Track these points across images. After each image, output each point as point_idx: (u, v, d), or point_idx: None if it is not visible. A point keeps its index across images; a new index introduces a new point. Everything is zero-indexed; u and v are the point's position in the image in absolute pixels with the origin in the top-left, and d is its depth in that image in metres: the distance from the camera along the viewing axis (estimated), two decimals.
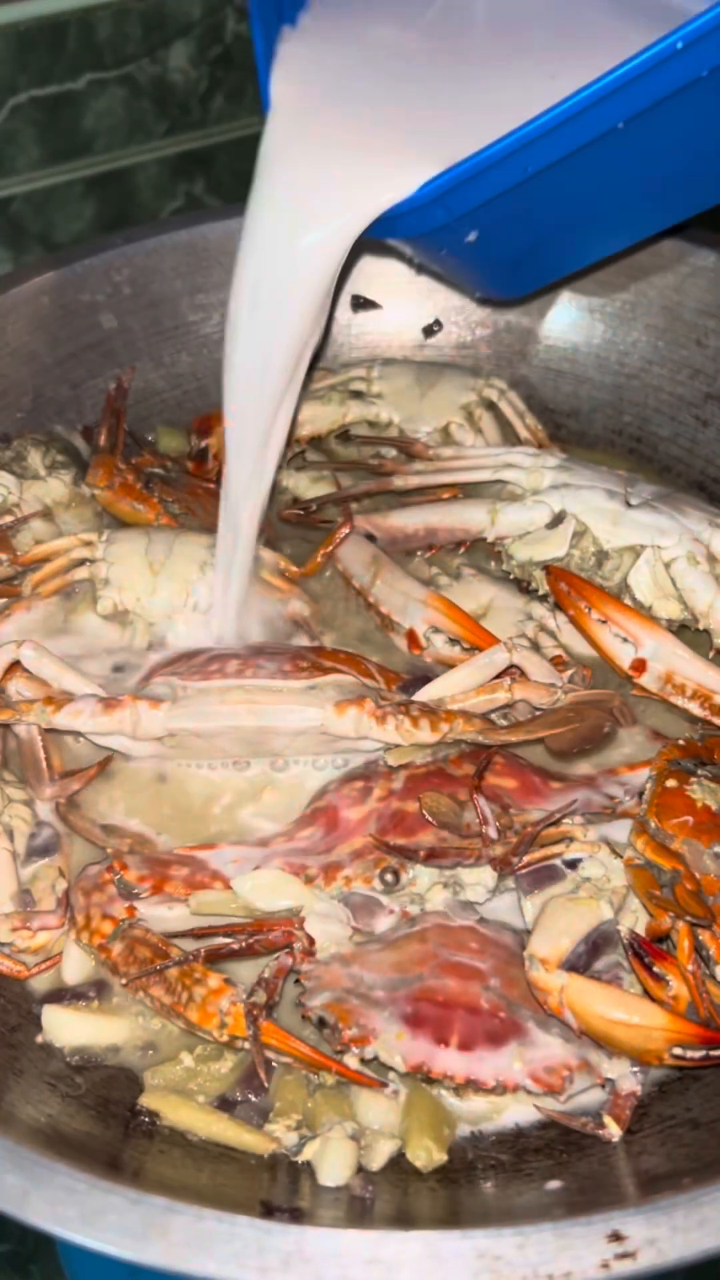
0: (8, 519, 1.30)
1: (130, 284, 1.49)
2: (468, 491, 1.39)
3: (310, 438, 1.49)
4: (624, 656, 1.21)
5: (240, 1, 1.73)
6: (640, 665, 1.20)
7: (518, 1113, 0.94)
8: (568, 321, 1.57)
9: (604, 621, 1.22)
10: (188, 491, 1.39)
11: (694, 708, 1.18)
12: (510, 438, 1.49)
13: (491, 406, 1.49)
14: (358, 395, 1.50)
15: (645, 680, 1.20)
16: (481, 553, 1.37)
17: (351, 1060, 0.92)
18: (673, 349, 1.50)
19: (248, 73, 1.79)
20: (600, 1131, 0.90)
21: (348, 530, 1.35)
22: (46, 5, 1.60)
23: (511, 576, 1.32)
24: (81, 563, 1.29)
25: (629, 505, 1.28)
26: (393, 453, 1.46)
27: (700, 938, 0.94)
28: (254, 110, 1.82)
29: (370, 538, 1.36)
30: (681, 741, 1.12)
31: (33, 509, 1.32)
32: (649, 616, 1.23)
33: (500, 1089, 0.90)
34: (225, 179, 1.86)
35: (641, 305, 1.53)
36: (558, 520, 1.29)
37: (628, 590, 1.26)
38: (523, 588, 1.31)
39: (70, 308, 1.46)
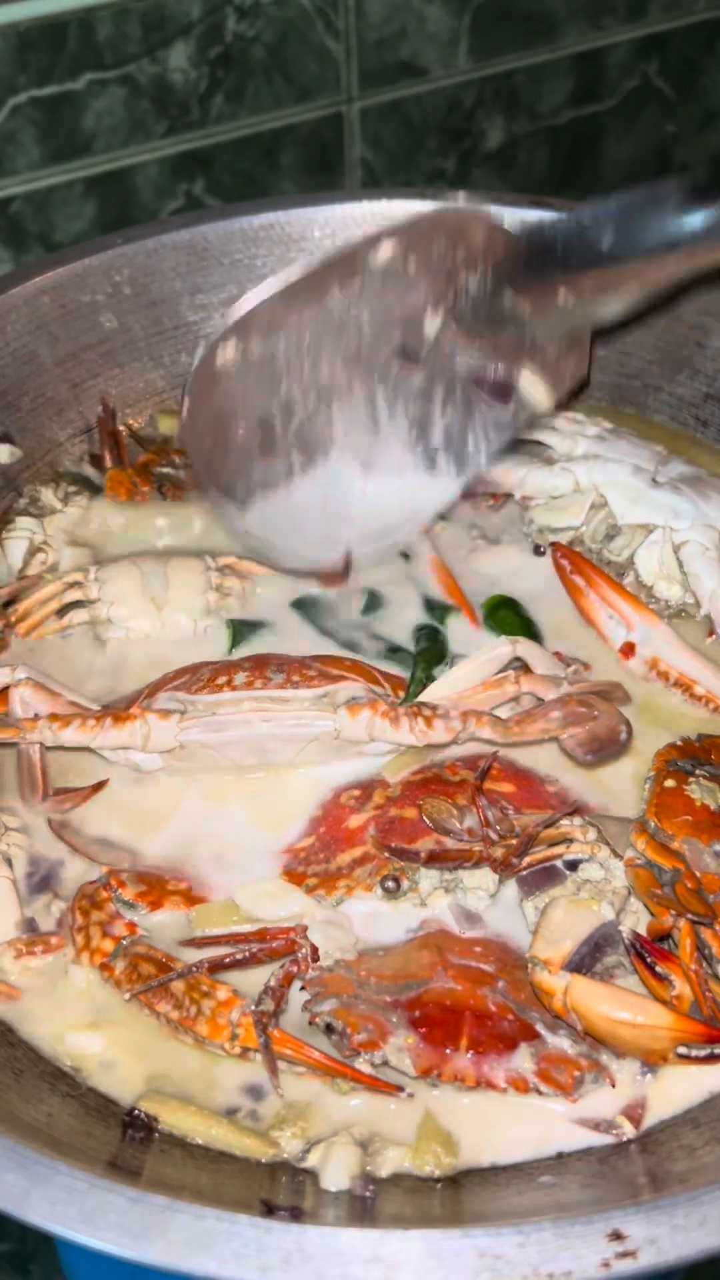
0: (27, 580, 1.29)
1: (130, 284, 1.48)
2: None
3: None
4: (616, 638, 1.23)
5: (240, 1, 1.73)
6: (629, 649, 1.22)
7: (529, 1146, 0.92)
8: None
9: (600, 602, 1.23)
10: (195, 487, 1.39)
11: (676, 696, 1.20)
12: None
13: None
14: None
15: (632, 664, 1.22)
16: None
17: (363, 1066, 0.91)
18: (673, 349, 1.50)
19: (247, 72, 1.79)
20: (613, 1132, 0.90)
21: None
22: (46, 5, 1.60)
23: (531, 540, 1.34)
24: (75, 604, 1.26)
25: (654, 484, 1.29)
26: None
27: (702, 936, 0.94)
28: (254, 110, 1.82)
29: None
30: (679, 742, 1.12)
31: (59, 541, 1.32)
32: (646, 601, 1.25)
33: (511, 1091, 0.90)
34: (225, 179, 1.86)
35: None
36: (578, 491, 1.31)
37: (632, 568, 1.27)
38: (537, 552, 1.33)
39: (70, 308, 1.45)
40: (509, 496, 1.37)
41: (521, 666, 1.17)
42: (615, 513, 1.29)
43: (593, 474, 1.31)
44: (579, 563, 1.27)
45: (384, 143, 1.97)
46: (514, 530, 1.37)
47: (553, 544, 1.30)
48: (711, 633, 1.25)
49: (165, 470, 1.42)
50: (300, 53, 1.81)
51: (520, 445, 1.38)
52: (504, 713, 1.14)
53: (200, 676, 1.13)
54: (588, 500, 1.30)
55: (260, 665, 1.13)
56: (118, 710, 1.10)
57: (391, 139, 1.97)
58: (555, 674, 1.16)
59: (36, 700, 1.13)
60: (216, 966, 0.96)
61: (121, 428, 1.48)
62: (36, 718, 1.09)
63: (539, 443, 1.37)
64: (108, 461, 1.43)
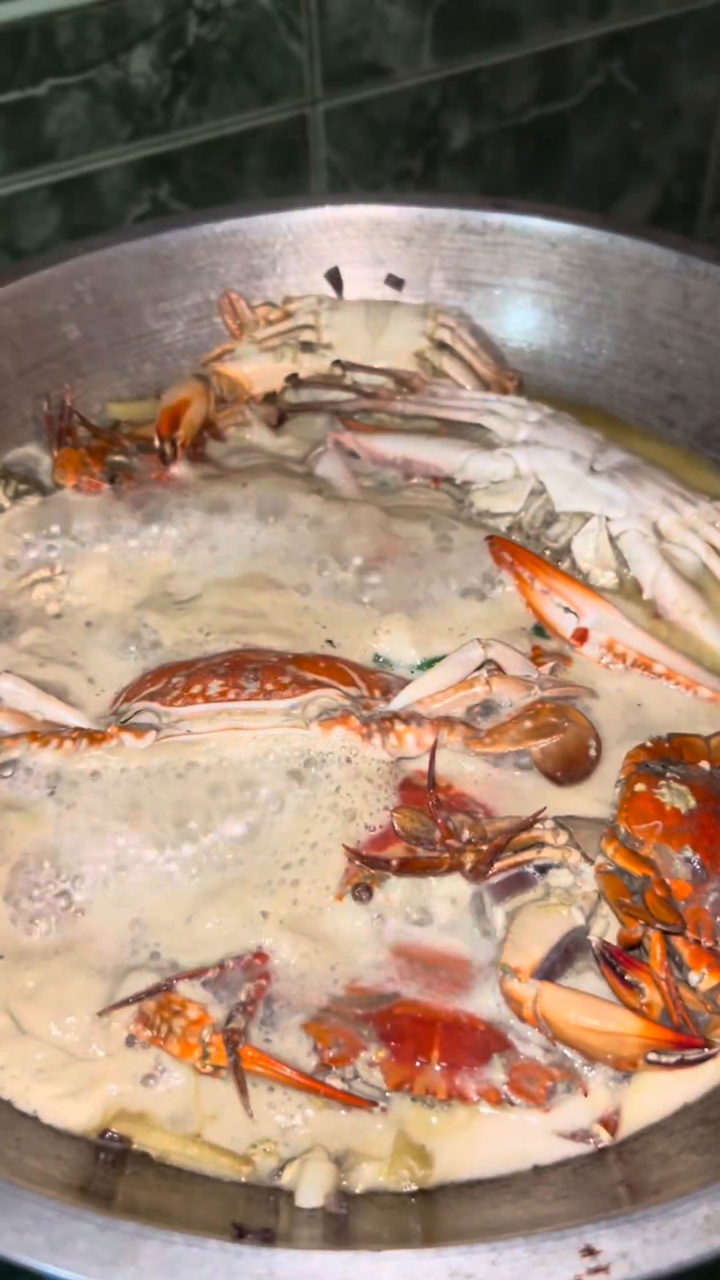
0: None
1: (92, 293, 1.48)
2: (451, 429, 1.43)
3: (264, 395, 1.49)
4: (566, 626, 1.23)
5: (201, 4, 1.72)
6: (583, 634, 1.22)
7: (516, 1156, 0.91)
8: (532, 325, 1.57)
9: (546, 591, 1.23)
10: (154, 481, 1.37)
11: (655, 695, 1.20)
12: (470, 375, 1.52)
13: (444, 347, 1.50)
14: (307, 347, 1.50)
15: (588, 649, 1.22)
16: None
17: (334, 1080, 0.91)
18: (637, 350, 1.50)
19: (210, 76, 1.77)
20: (589, 1140, 0.90)
21: (330, 444, 1.38)
22: (6, 11, 1.59)
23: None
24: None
25: (592, 471, 1.31)
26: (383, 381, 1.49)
27: (673, 943, 0.94)
28: (218, 113, 1.81)
29: (353, 455, 1.41)
30: (649, 743, 1.12)
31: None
32: (590, 585, 1.26)
33: (483, 1102, 0.89)
34: (190, 183, 1.84)
35: (606, 307, 1.53)
36: (518, 477, 1.33)
37: (569, 555, 1.29)
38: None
39: (32, 318, 1.44)
40: (449, 480, 1.38)
41: (494, 668, 1.16)
42: (553, 499, 1.30)
43: (532, 460, 1.33)
44: (520, 553, 1.27)
45: (349, 144, 1.96)
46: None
47: (487, 538, 1.29)
48: (656, 615, 1.26)
49: (118, 459, 1.39)
50: (263, 55, 1.80)
51: (462, 428, 1.40)
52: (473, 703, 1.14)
53: (175, 684, 1.13)
54: (527, 486, 1.32)
55: (235, 671, 1.13)
56: (93, 731, 1.11)
57: (357, 140, 1.96)
58: (528, 676, 1.16)
59: (14, 717, 1.13)
60: (181, 978, 0.95)
61: (75, 416, 1.45)
62: (16, 736, 1.10)
63: (480, 427, 1.39)
64: (54, 450, 1.40)
